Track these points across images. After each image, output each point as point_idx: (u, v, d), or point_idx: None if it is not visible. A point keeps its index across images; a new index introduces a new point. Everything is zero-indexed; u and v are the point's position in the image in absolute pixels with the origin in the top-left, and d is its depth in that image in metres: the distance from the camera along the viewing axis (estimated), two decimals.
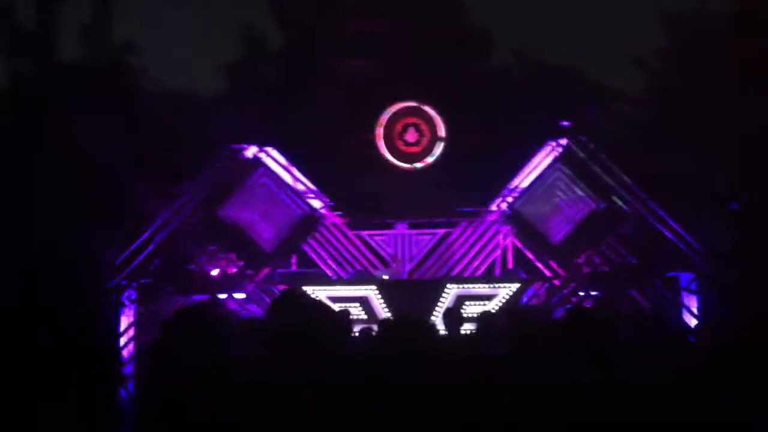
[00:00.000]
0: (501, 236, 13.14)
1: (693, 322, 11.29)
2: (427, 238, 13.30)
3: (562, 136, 12.82)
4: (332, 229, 13.25)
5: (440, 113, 13.44)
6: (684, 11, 14.03)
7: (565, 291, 12.39)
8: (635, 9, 17.17)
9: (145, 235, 12.38)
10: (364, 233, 13.28)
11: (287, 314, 3.99)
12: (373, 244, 13.29)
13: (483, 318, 5.83)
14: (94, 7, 14.58)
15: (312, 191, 13.37)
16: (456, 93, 13.22)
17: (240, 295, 12.32)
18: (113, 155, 12.40)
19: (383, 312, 11.13)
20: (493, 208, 13.16)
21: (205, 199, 12.75)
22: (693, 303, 12.09)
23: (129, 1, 15.90)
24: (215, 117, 13.34)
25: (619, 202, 12.51)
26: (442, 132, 13.44)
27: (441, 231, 13.28)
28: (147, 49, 14.70)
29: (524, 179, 13.12)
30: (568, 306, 11.54)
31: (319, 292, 11.11)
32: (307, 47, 14.43)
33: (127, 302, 12.17)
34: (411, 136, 13.51)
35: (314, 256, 13.22)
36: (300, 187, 13.31)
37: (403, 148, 13.53)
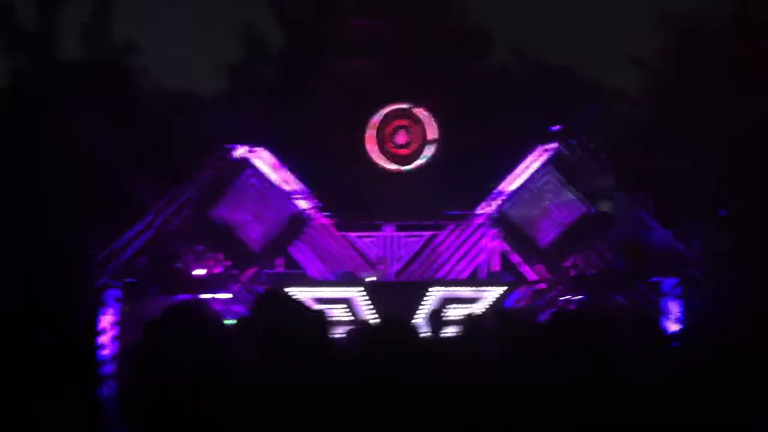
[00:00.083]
0: (487, 239, 13.17)
1: (675, 327, 11.35)
2: (414, 240, 13.32)
3: (552, 140, 12.87)
4: (320, 230, 13.25)
5: (433, 115, 13.46)
6: (684, 11, 14.06)
7: (550, 294, 12.43)
8: (635, 9, 17.22)
9: (131, 233, 12.35)
10: (352, 234, 13.29)
11: (272, 314, 4.00)
12: (360, 246, 13.30)
13: (470, 320, 5.85)
14: (94, 6, 14.57)
15: (300, 192, 13.38)
16: (452, 94, 13.25)
17: (226, 295, 12.30)
18: (110, 155, 12.40)
19: (368, 314, 11.14)
20: (480, 211, 13.19)
21: (194, 199, 12.73)
22: (676, 308, 12.16)
23: (129, 1, 15.91)
24: (212, 117, 13.34)
25: (608, 207, 12.56)
26: (432, 135, 13.46)
27: (428, 233, 13.30)
28: (147, 48, 14.73)
29: (513, 182, 13.15)
30: (553, 309, 11.58)
31: (304, 294, 11.10)
32: (307, 47, 14.43)
33: (111, 301, 12.13)
34: (401, 138, 13.53)
35: (301, 257, 13.22)
36: (288, 187, 13.31)
37: (393, 150, 13.55)
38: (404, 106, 13.54)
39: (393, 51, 13.34)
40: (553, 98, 13.30)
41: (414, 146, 13.50)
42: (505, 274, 12.57)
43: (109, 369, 10.28)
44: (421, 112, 13.52)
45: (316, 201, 13.25)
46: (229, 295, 12.30)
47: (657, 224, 12.33)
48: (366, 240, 13.34)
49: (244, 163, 13.02)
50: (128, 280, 12.23)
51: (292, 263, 13.29)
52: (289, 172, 13.31)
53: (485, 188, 13.08)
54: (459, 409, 3.83)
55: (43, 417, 3.62)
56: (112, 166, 12.33)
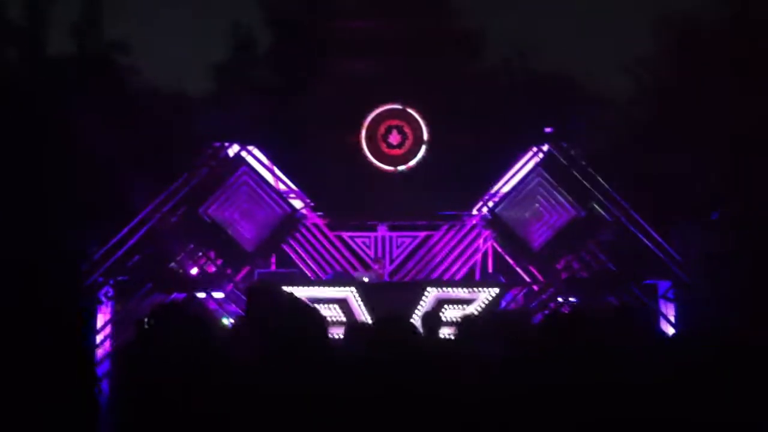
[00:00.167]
0: (481, 240, 13.16)
1: (670, 330, 11.36)
2: (407, 240, 13.30)
3: (544, 142, 12.87)
4: (313, 229, 13.22)
5: (426, 115, 13.45)
6: (684, 11, 14.10)
7: (543, 296, 12.43)
8: (634, 9, 17.27)
9: (124, 231, 12.29)
10: (345, 234, 13.26)
11: (267, 311, 3.96)
12: (354, 246, 13.27)
13: (465, 321, 5.84)
14: (85, 5, 14.53)
15: (293, 191, 13.35)
16: (446, 95, 13.25)
17: (219, 295, 12.25)
18: (102, 153, 12.35)
19: (362, 314, 11.11)
20: (474, 212, 13.19)
21: (187, 197, 12.68)
22: (670, 311, 12.18)
23: (130, 1, 15.90)
24: (206, 116, 13.31)
25: (600, 209, 12.56)
26: (425, 135, 13.45)
27: (422, 234, 13.29)
28: (140, 48, 14.78)
29: (506, 184, 13.16)
30: (546, 311, 11.57)
31: (297, 293, 11.05)
32: (299, 47, 14.42)
33: (104, 299, 12.07)
34: (394, 138, 13.51)
35: (294, 257, 13.18)
36: (281, 186, 13.27)
37: (386, 150, 13.53)
38: (397, 106, 13.52)
39: (388, 51, 13.35)
40: (546, 100, 13.31)
41: (407, 146, 13.48)
42: (500, 275, 12.55)
43: (103, 368, 10.23)
44: (414, 112, 13.50)
45: (310, 200, 13.22)
46: (222, 295, 12.26)
47: (648, 226, 12.34)
48: (359, 240, 13.31)
49: (238, 161, 12.98)
50: (120, 278, 12.18)
51: (285, 262, 13.24)
52: (282, 172, 13.29)
53: (480, 189, 13.08)
54: (459, 409, 3.81)
55: (42, 417, 3.57)
56: (109, 165, 12.29)
